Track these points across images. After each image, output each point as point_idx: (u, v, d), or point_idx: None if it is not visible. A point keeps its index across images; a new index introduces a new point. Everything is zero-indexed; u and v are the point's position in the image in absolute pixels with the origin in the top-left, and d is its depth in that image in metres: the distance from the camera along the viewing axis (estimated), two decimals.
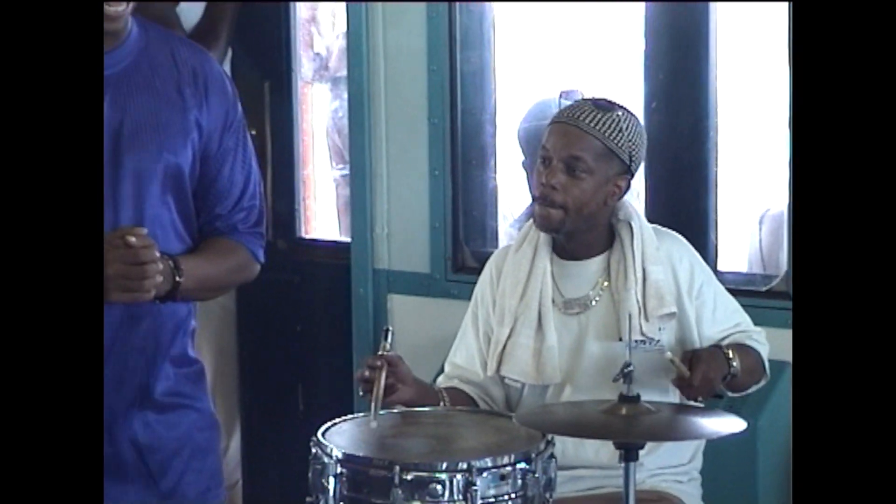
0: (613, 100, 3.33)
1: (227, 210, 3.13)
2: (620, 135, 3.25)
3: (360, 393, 3.18)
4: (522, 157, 4.45)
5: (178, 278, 2.96)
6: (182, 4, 4.26)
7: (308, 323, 4.61)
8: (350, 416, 3.10)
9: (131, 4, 2.93)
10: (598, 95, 3.37)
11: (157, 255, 2.89)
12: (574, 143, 3.25)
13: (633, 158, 3.29)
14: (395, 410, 3.13)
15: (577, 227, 3.30)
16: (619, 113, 3.28)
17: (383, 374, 3.08)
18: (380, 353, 3.13)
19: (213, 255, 3.11)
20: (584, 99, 3.33)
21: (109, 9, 2.89)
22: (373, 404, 3.03)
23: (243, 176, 3.15)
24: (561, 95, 3.34)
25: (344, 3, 4.33)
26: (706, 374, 3.18)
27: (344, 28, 4.41)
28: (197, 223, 3.12)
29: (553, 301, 3.36)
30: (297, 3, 4.67)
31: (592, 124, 3.25)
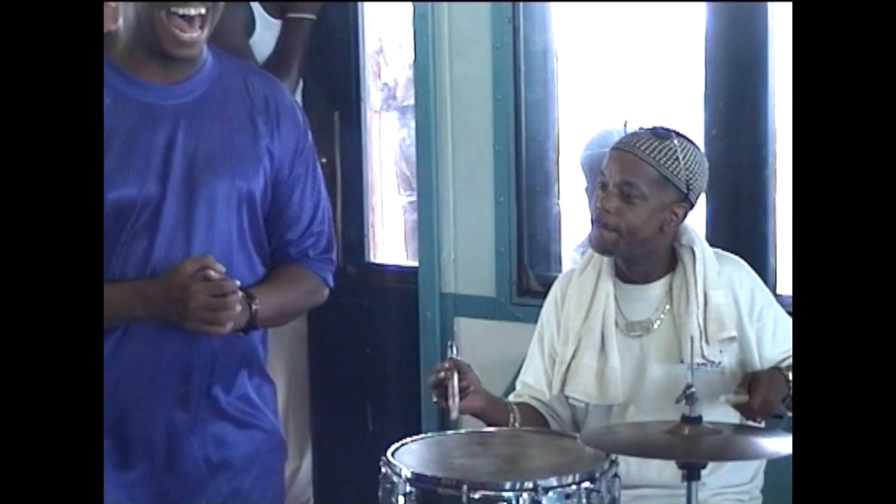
0: (673, 128, 3.33)
1: (297, 236, 3.14)
2: (676, 163, 3.26)
3: (433, 399, 3.20)
4: (585, 184, 4.45)
5: (254, 307, 2.98)
6: (255, 38, 4.29)
7: (377, 345, 4.61)
8: (419, 437, 3.11)
9: (205, 32, 2.94)
10: (659, 124, 3.37)
11: (236, 286, 2.92)
12: (629, 169, 3.26)
13: (692, 187, 3.28)
14: (464, 431, 3.14)
15: (633, 252, 3.31)
16: (676, 141, 3.28)
17: (455, 375, 3.10)
18: (449, 358, 3.16)
19: (286, 282, 3.12)
20: (644, 127, 3.33)
21: (184, 35, 2.91)
22: (450, 399, 3.05)
23: (313, 202, 3.16)
24: (625, 124, 3.34)
25: (411, 35, 4.34)
26: (766, 396, 3.17)
27: (411, 58, 4.42)
28: (269, 249, 3.13)
29: (616, 323, 3.36)
30: (366, 36, 4.67)
31: (648, 152, 3.25)
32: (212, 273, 2.89)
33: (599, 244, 3.31)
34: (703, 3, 3.94)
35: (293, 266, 3.14)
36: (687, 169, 3.27)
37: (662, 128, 3.32)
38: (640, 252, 3.32)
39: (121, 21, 2.99)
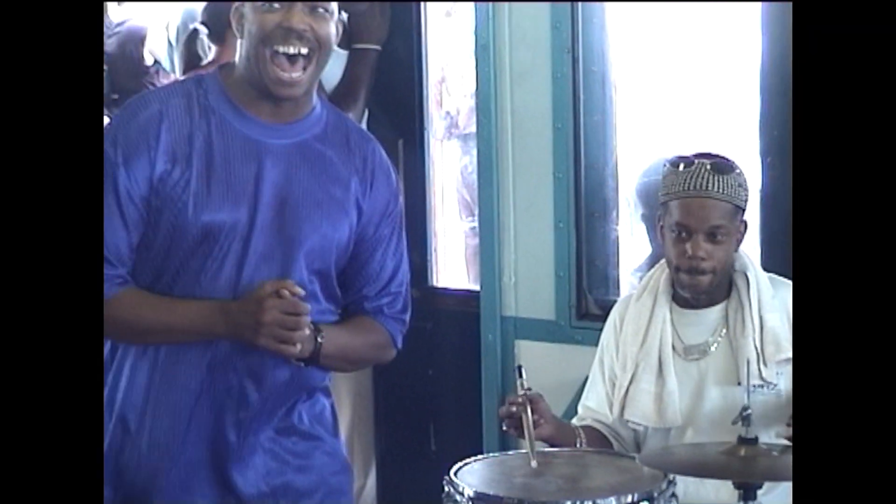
0: (719, 154, 3.35)
1: (374, 293, 3.14)
2: (742, 190, 3.30)
3: (504, 428, 3.20)
4: (642, 210, 4.45)
5: (319, 339, 2.99)
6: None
7: (439, 367, 4.62)
8: (481, 456, 3.12)
9: (308, 73, 2.95)
10: (704, 152, 3.38)
11: (308, 310, 2.93)
12: (712, 214, 3.28)
13: (747, 207, 3.33)
14: (525, 451, 3.14)
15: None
16: (737, 171, 3.30)
17: (530, 412, 3.10)
18: (521, 392, 3.15)
19: (354, 328, 3.13)
20: (699, 164, 3.31)
21: (285, 74, 2.93)
22: (528, 443, 3.05)
23: (394, 263, 3.15)
24: (665, 165, 3.34)
25: (473, 65, 4.35)
26: None
27: (473, 88, 4.43)
28: (344, 300, 3.13)
29: (673, 347, 3.37)
30: (429, 66, 4.68)
31: (721, 192, 3.27)
32: (285, 292, 2.91)
33: (696, 289, 3.33)
34: (759, 32, 3.94)
35: (366, 317, 3.14)
36: (747, 191, 3.31)
37: (717, 159, 3.33)
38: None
39: (237, 56, 3.03)
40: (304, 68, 2.94)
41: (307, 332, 2.93)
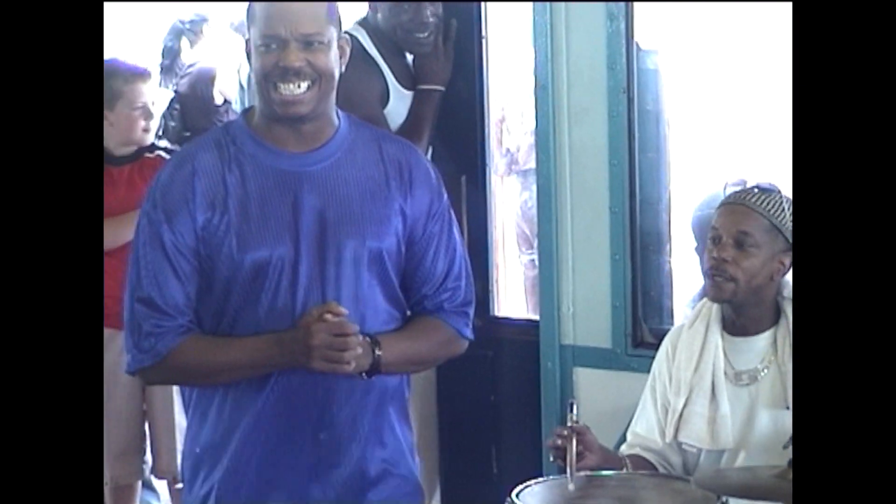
0: (774, 184, 3.35)
1: (432, 291, 3.14)
2: (783, 213, 3.28)
3: (552, 458, 3.20)
4: (695, 244, 4.45)
5: (377, 352, 3.01)
6: (389, 107, 4.36)
7: (501, 393, 4.62)
8: (541, 479, 3.11)
9: (313, 91, 2.98)
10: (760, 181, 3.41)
11: (357, 329, 2.95)
12: (742, 220, 3.29)
13: (791, 234, 3.31)
14: (583, 474, 3.14)
15: (747, 300, 3.32)
16: (781, 195, 3.31)
17: (573, 442, 3.09)
18: (569, 424, 3.15)
19: (416, 331, 3.14)
20: (746, 183, 3.36)
21: (287, 94, 2.96)
22: (568, 470, 3.05)
23: (447, 259, 3.15)
24: (725, 186, 3.37)
25: (532, 104, 4.37)
26: None
27: (532, 126, 4.45)
28: (408, 303, 3.15)
29: (725, 373, 3.36)
30: (490, 105, 4.70)
31: (758, 203, 3.28)
32: (329, 315, 2.93)
33: (717, 293, 3.32)
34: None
35: (428, 317, 3.15)
36: (791, 219, 3.29)
37: (767, 183, 3.35)
38: (752, 301, 3.33)
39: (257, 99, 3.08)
40: (310, 88, 2.97)
41: (358, 350, 2.95)
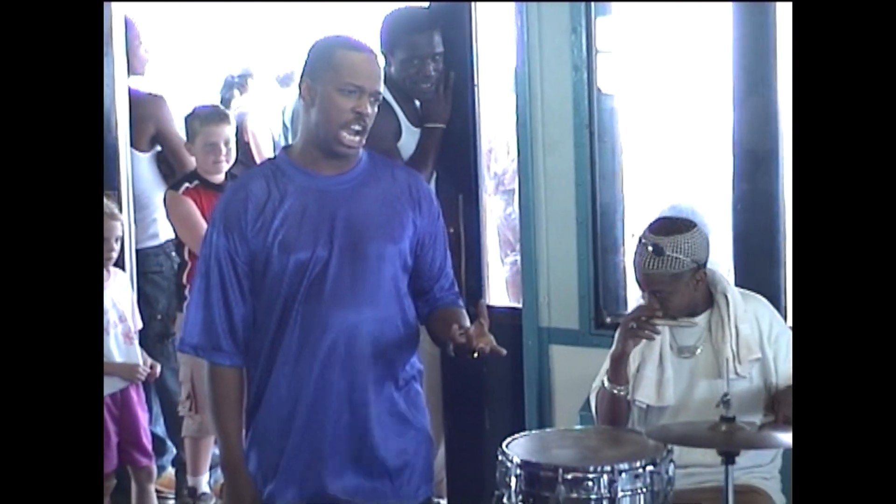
0: (672, 226, 3.26)
1: (448, 285, 3.20)
2: (678, 261, 3.22)
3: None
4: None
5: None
6: (402, 142, 4.35)
7: (492, 365, 4.58)
8: (525, 433, 3.13)
9: (363, 137, 3.01)
10: (664, 217, 3.36)
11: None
12: (651, 282, 3.27)
13: (698, 259, 3.26)
14: (558, 429, 3.13)
15: (680, 312, 3.29)
16: (673, 237, 3.22)
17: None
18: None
19: (454, 317, 3.10)
20: (645, 245, 3.26)
21: (352, 142, 2.97)
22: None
23: (441, 258, 3.20)
24: (640, 239, 3.27)
25: (515, 137, 4.36)
26: (786, 413, 3.14)
27: (515, 155, 4.44)
28: (429, 299, 3.18)
29: (670, 346, 3.37)
30: (482, 139, 4.68)
31: (654, 267, 3.23)
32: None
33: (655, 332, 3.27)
34: (730, 99, 3.93)
35: (449, 308, 3.16)
36: (690, 254, 3.24)
37: (661, 234, 3.26)
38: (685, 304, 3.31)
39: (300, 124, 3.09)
40: (362, 137, 3.00)
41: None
